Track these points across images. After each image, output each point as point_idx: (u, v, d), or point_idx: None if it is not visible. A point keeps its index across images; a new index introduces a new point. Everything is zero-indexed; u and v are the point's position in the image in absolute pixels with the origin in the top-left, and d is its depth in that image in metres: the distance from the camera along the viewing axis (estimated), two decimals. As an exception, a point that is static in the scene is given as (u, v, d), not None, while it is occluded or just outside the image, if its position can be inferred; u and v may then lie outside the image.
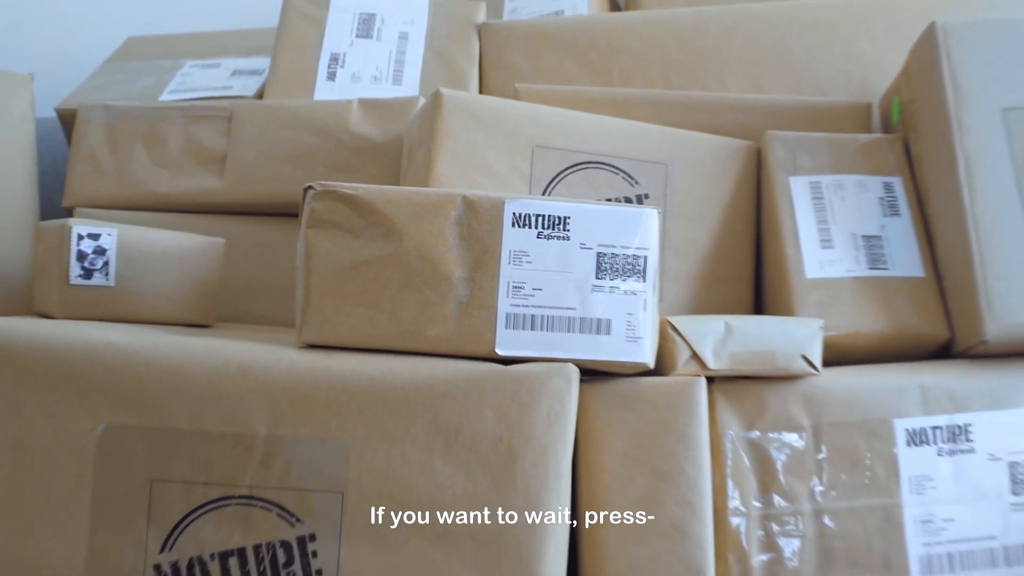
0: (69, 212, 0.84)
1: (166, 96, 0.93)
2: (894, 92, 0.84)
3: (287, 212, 0.84)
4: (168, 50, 1.03)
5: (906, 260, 0.76)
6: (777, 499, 0.66)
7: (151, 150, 0.84)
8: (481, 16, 0.97)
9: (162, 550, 0.54)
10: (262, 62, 0.97)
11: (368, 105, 0.85)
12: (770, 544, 0.65)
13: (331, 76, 0.91)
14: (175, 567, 0.53)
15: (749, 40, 0.94)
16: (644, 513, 0.61)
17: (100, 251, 0.64)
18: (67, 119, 0.92)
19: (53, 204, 0.89)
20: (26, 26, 1.26)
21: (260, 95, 0.94)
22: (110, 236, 0.64)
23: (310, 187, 0.57)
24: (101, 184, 0.83)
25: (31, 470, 0.54)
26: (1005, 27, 0.75)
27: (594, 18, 0.98)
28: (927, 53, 0.75)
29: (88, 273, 0.63)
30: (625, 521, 0.61)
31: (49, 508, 0.54)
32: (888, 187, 0.79)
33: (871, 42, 0.93)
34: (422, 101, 0.85)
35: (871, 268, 0.76)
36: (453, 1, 0.97)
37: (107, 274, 0.64)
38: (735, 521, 0.65)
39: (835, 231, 0.77)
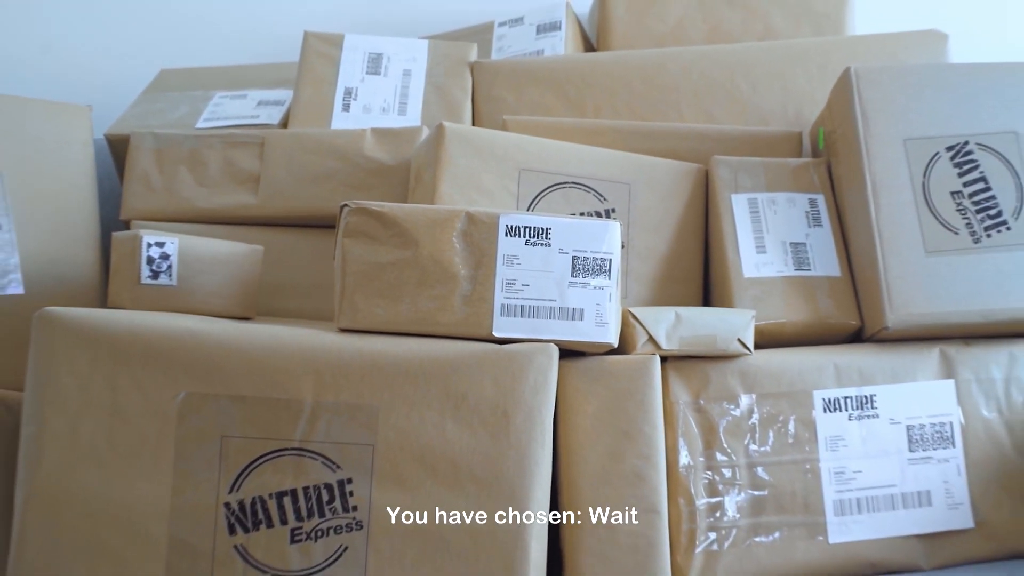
0: (126, 224, 0.90)
1: (201, 123, 0.99)
2: (820, 123, 0.92)
3: (313, 224, 0.91)
4: (199, 82, 1.08)
5: (826, 262, 0.84)
6: (719, 455, 0.75)
7: (194, 171, 0.90)
8: (473, 55, 1.03)
9: (230, 491, 0.63)
10: (284, 93, 1.03)
11: (379, 133, 0.91)
12: (713, 490, 0.74)
13: (346, 107, 0.97)
14: (240, 504, 0.62)
15: (702, 77, 1.01)
16: (611, 463, 0.69)
17: (165, 256, 0.73)
18: (115, 143, 0.98)
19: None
20: (57, 48, 1.29)
21: (284, 123, 0.99)
22: (173, 244, 0.74)
23: (345, 205, 0.67)
24: (152, 200, 0.89)
25: (126, 430, 0.63)
26: (907, 71, 0.83)
27: (570, 58, 1.04)
28: (844, 92, 0.84)
29: (156, 275, 0.73)
30: (595, 470, 0.69)
31: (141, 459, 0.62)
32: (813, 203, 0.87)
33: (806, 79, 1.00)
34: (425, 130, 0.92)
35: (797, 269, 0.83)
36: (449, 43, 1.04)
37: (171, 275, 0.74)
38: (684, 472, 0.73)
39: (768, 239, 0.85)
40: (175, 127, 0.99)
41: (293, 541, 0.63)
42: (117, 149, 0.99)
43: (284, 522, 0.63)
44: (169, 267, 0.74)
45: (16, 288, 0.81)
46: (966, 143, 0.81)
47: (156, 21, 1.29)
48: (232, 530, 0.62)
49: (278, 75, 1.08)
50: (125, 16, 1.28)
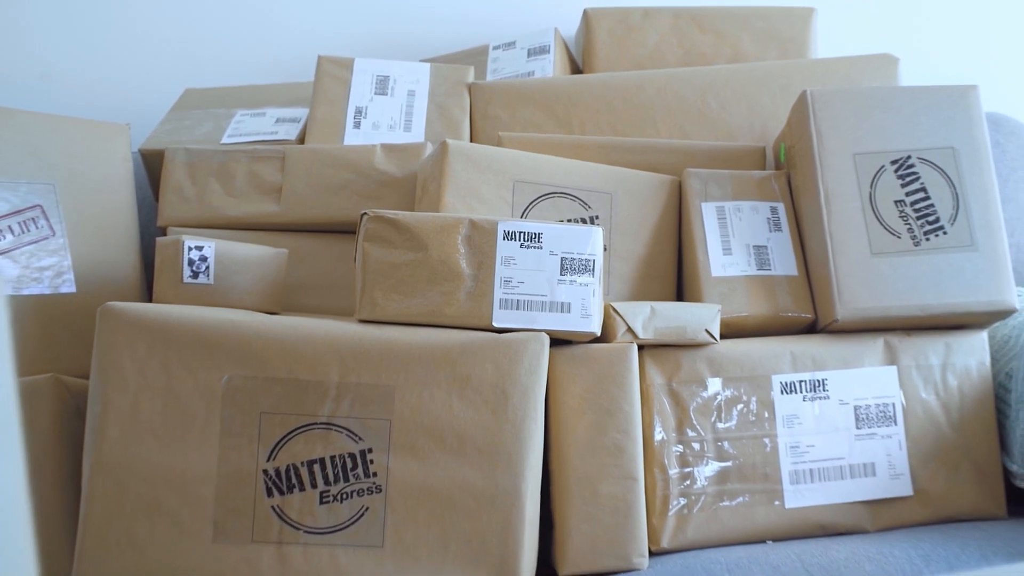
0: (163, 230, 0.95)
1: (225, 139, 1.04)
2: (781, 139, 0.98)
3: (330, 230, 0.96)
4: (221, 101, 1.13)
5: (785, 263, 0.89)
6: (689, 431, 0.81)
7: (223, 183, 0.95)
8: (471, 77, 1.08)
9: (268, 460, 0.70)
10: (300, 111, 1.08)
11: (388, 148, 0.95)
12: (684, 462, 0.80)
13: (356, 125, 1.01)
14: (277, 471, 0.70)
15: (677, 97, 1.05)
16: (594, 436, 0.76)
17: (203, 259, 0.80)
18: (148, 157, 1.04)
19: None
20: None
21: (300, 138, 1.04)
22: (210, 247, 0.80)
23: (365, 214, 0.73)
24: (186, 209, 0.94)
25: (178, 407, 0.69)
26: (857, 94, 0.88)
27: (558, 79, 1.08)
28: (801, 111, 0.89)
29: (196, 275, 0.80)
30: (581, 442, 0.76)
31: (191, 432, 0.69)
32: (774, 210, 0.92)
33: (770, 98, 1.05)
34: (429, 145, 0.96)
35: (759, 269, 0.89)
36: (449, 65, 1.08)
37: (209, 275, 0.80)
38: (659, 446, 0.80)
39: (734, 242, 0.90)
40: (202, 142, 1.04)
41: (322, 502, 0.70)
42: (150, 162, 1.05)
43: (314, 486, 0.70)
44: (207, 268, 0.80)
45: (69, 287, 0.87)
46: (908, 157, 0.86)
47: (176, 46, 1.32)
48: (270, 493, 0.70)
49: (293, 94, 1.13)
50: (147, 38, 1.32)
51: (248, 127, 1.07)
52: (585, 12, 1.20)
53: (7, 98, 1.28)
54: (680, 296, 0.96)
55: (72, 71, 1.32)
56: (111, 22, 1.32)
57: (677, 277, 0.96)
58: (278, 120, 1.08)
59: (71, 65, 1.32)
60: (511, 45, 1.19)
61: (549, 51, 1.15)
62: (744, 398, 0.83)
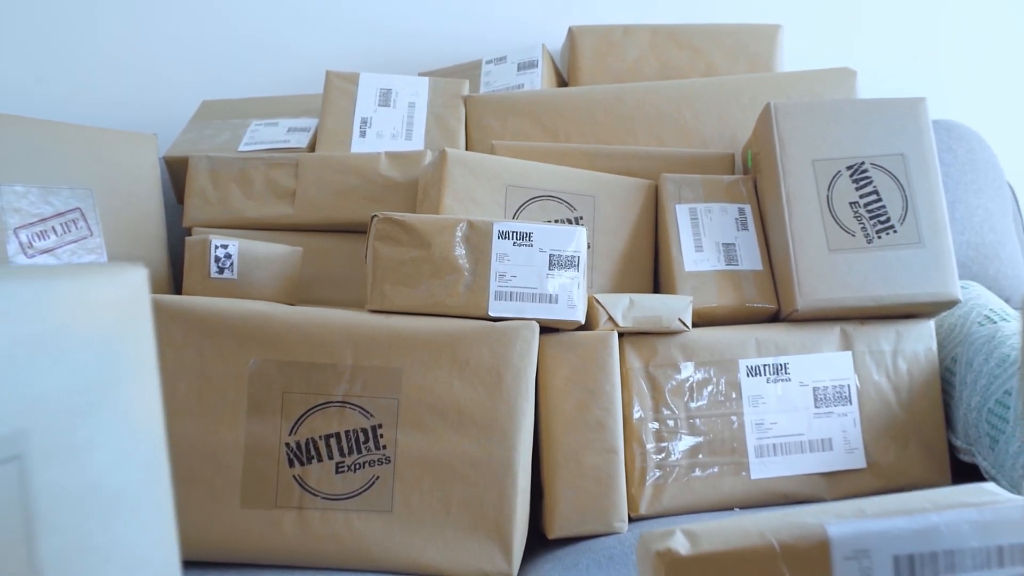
0: (188, 231, 1.01)
1: (242, 147, 1.09)
2: (748, 146, 1.04)
3: (340, 230, 1.01)
4: (237, 111, 1.18)
5: (751, 259, 0.94)
6: (664, 410, 0.86)
7: (242, 187, 1.00)
8: (466, 90, 1.12)
9: (290, 434, 0.76)
10: (310, 121, 1.13)
11: (391, 156, 1.01)
12: (660, 437, 0.86)
13: (362, 134, 1.07)
14: (298, 444, 0.76)
15: (654, 108, 1.10)
16: (579, 414, 0.81)
17: (228, 256, 0.87)
18: (171, 163, 1.10)
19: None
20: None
21: (311, 146, 1.09)
22: (234, 246, 0.87)
23: (375, 216, 0.80)
24: (209, 211, 1.00)
25: (211, 389, 0.76)
26: (816, 106, 0.93)
27: (546, 92, 1.12)
28: (766, 122, 0.94)
29: (221, 270, 0.86)
30: (567, 419, 0.81)
31: (222, 410, 0.76)
32: (741, 211, 0.97)
33: (739, 109, 1.10)
34: (428, 153, 1.02)
35: (728, 264, 0.93)
36: (445, 79, 1.13)
37: (233, 271, 0.87)
38: (637, 423, 0.85)
39: (705, 240, 0.94)
40: (222, 150, 1.09)
41: (337, 472, 0.76)
42: (173, 168, 1.10)
43: (331, 457, 0.76)
44: (232, 264, 0.87)
45: (105, 283, 0.95)
46: (862, 163, 0.90)
47: (195, 62, 1.38)
48: (291, 463, 0.76)
49: (304, 105, 1.19)
50: (166, 55, 1.38)
51: (263, 136, 1.12)
52: (570, 29, 1.25)
53: (35, 114, 1.32)
54: (656, 289, 1.00)
55: (99, 87, 1.38)
56: (132, 41, 1.38)
57: (654, 272, 1.00)
58: (290, 129, 1.13)
59: (99, 81, 1.37)
60: (502, 60, 1.24)
61: (537, 65, 1.20)
62: (714, 380, 0.88)
